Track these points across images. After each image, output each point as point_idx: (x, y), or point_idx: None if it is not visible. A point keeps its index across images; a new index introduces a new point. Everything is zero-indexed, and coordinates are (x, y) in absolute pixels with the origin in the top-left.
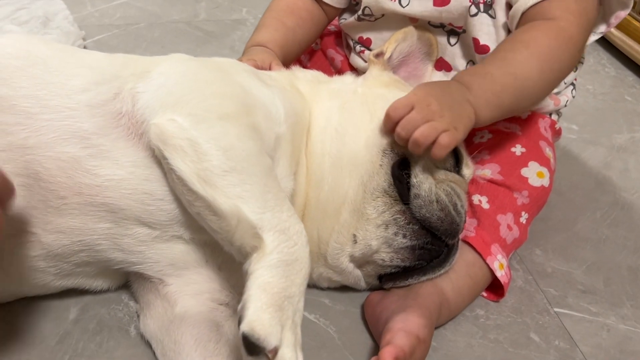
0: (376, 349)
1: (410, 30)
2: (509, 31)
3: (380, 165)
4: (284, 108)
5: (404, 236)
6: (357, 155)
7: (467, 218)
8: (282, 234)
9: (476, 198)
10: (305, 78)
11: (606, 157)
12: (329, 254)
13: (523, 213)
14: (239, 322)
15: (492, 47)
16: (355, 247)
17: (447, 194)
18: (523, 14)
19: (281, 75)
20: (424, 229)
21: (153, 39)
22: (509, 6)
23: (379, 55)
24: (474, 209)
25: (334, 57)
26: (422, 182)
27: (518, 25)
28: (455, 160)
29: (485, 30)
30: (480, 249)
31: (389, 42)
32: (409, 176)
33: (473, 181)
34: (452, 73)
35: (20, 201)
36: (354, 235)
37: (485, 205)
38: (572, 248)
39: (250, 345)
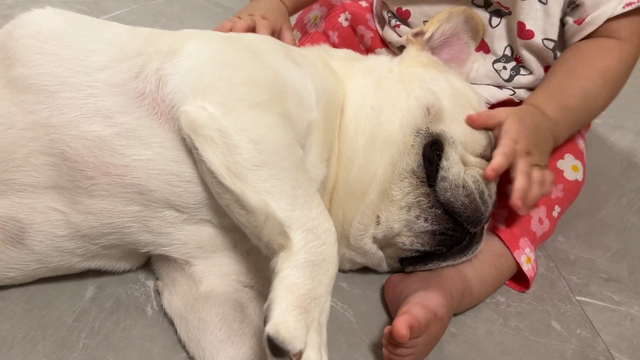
0: None
1: (457, 11)
2: (561, 23)
3: (412, 145)
4: (316, 91)
5: (425, 220)
6: (391, 134)
7: (498, 209)
8: (310, 233)
9: (509, 189)
10: (339, 56)
11: (633, 142)
12: (352, 235)
13: (556, 207)
14: (264, 323)
15: (538, 33)
16: (378, 228)
17: (475, 181)
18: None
19: (314, 54)
20: (446, 214)
21: (172, 14)
22: None
23: (418, 34)
24: (505, 200)
25: (364, 34)
26: (452, 166)
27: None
28: (492, 149)
29: (533, 15)
30: (508, 242)
31: (431, 21)
32: (439, 158)
33: (507, 172)
34: (490, 56)
35: (47, 180)
36: (378, 217)
37: None
38: (596, 235)
39: (275, 347)
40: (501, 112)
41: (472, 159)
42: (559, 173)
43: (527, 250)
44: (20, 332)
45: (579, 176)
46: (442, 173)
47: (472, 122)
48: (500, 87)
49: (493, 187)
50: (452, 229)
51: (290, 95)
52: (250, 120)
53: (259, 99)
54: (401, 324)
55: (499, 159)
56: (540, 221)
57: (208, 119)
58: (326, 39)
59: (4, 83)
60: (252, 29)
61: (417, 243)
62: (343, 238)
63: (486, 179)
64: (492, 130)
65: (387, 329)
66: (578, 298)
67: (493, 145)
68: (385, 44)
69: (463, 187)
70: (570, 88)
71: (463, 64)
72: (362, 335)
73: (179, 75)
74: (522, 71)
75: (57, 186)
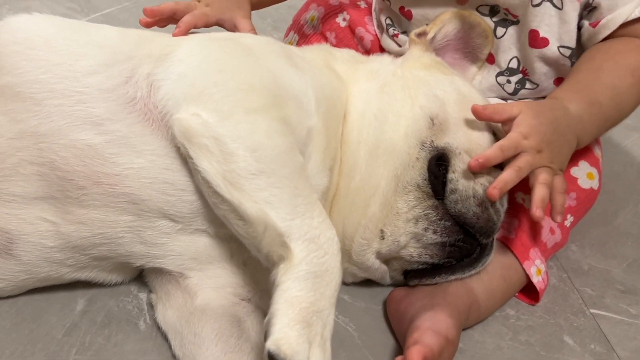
0: (398, 349)
1: (460, 14)
2: (578, 27)
3: (417, 158)
4: (316, 97)
5: (434, 232)
6: (395, 145)
7: (507, 217)
8: (312, 243)
9: (519, 196)
10: (342, 57)
11: None
12: (354, 250)
13: (569, 216)
14: (265, 338)
15: (553, 41)
16: (383, 243)
17: (486, 189)
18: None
19: (316, 55)
20: (457, 225)
21: None
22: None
23: (421, 34)
24: (515, 208)
25: (363, 37)
26: (460, 178)
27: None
28: None
29: (547, 22)
30: (518, 253)
31: (433, 22)
32: (446, 171)
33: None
34: (494, 67)
35: (37, 190)
36: (382, 231)
37: (529, 204)
38: (611, 244)
39: None
40: (514, 105)
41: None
42: (572, 181)
43: (538, 262)
44: (8, 347)
45: (594, 184)
46: (450, 186)
47: (476, 114)
48: (505, 99)
49: (505, 196)
50: (463, 240)
51: (289, 100)
52: (247, 127)
53: (257, 105)
54: (415, 356)
55: (491, 151)
56: (552, 231)
57: (202, 127)
58: (324, 40)
59: None
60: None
61: (426, 255)
62: (345, 254)
63: (470, 169)
64: (503, 126)
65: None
66: (592, 311)
67: None
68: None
69: (474, 197)
70: (598, 84)
71: (467, 70)
72: (365, 351)
73: (171, 81)
74: (528, 85)
75: (47, 196)
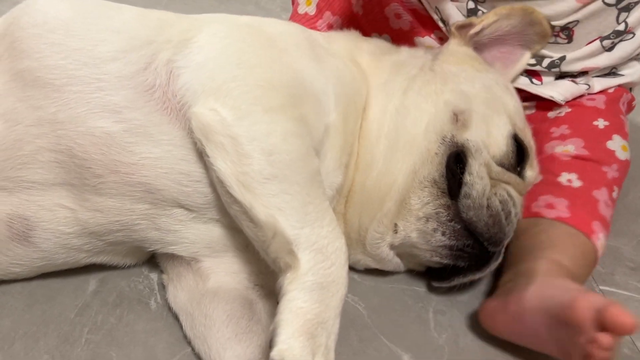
0: (407, 327)
1: (524, 10)
2: None
3: (436, 153)
4: (335, 93)
5: (443, 234)
6: (415, 139)
7: (554, 197)
8: (319, 253)
9: (564, 177)
10: (369, 49)
11: None
12: (368, 242)
13: (615, 187)
14: (270, 346)
15: None
16: (396, 237)
17: (503, 200)
18: None
19: (341, 46)
20: (466, 230)
21: None
22: None
23: (464, 27)
24: (561, 190)
25: (401, 15)
26: (476, 182)
27: None
28: (518, 158)
29: None
30: (582, 227)
31: (486, 15)
32: (463, 171)
33: (554, 159)
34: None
35: (55, 177)
36: (396, 225)
37: (577, 182)
38: (621, 221)
39: None
40: None
41: (495, 168)
42: (610, 154)
43: (601, 236)
44: (21, 328)
45: (628, 156)
46: (465, 189)
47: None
48: (574, 81)
49: (520, 204)
50: (472, 246)
51: (308, 98)
52: (264, 128)
53: (275, 103)
54: (622, 312)
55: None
56: (607, 204)
57: (220, 125)
58: (352, 15)
59: (10, 75)
60: None
61: (436, 256)
62: (359, 244)
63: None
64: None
65: (597, 335)
66: (602, 288)
67: (514, 153)
68: (428, 27)
69: (488, 207)
70: None
71: (510, 66)
72: (375, 329)
73: (191, 71)
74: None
75: (65, 183)
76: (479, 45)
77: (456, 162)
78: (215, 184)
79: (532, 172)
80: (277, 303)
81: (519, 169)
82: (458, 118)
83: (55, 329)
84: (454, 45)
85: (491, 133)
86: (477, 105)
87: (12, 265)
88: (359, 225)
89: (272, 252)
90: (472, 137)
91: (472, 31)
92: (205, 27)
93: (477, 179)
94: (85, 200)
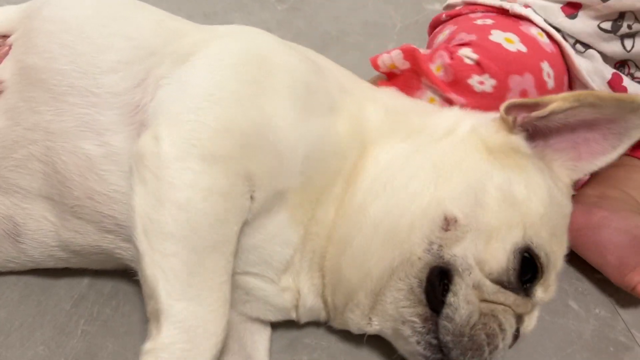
0: None
1: (617, 100)
2: None
3: (419, 258)
4: (305, 154)
5: (418, 343)
6: (398, 232)
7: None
8: (184, 333)
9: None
10: (395, 108)
11: None
12: (349, 325)
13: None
14: None
15: None
16: (372, 328)
17: (490, 334)
18: None
19: (353, 97)
20: (441, 348)
21: None
22: None
23: (520, 107)
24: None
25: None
26: (461, 307)
27: None
28: (528, 273)
29: None
30: None
31: (563, 98)
32: (446, 290)
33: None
34: None
35: (39, 188)
36: (370, 319)
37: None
38: None
39: None
40: None
41: (490, 288)
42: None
43: None
44: (17, 319)
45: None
46: (447, 311)
47: None
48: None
49: (511, 331)
50: None
51: (265, 154)
52: (190, 178)
53: (219, 152)
54: None
55: None
56: None
57: (153, 159)
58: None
59: (18, 68)
60: None
61: (416, 355)
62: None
63: None
64: None
65: None
66: (597, 275)
67: (517, 270)
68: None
69: (469, 339)
70: None
71: (588, 158)
72: None
73: (170, 89)
74: None
75: (48, 197)
76: (545, 132)
77: (441, 276)
78: (129, 213)
79: (545, 294)
80: None
81: (528, 285)
82: (449, 225)
83: (51, 320)
84: (493, 128)
85: (490, 246)
86: (485, 213)
87: (6, 261)
88: (334, 304)
89: (148, 309)
90: (462, 253)
91: (535, 114)
92: (213, 43)
93: (462, 302)
94: (65, 220)
